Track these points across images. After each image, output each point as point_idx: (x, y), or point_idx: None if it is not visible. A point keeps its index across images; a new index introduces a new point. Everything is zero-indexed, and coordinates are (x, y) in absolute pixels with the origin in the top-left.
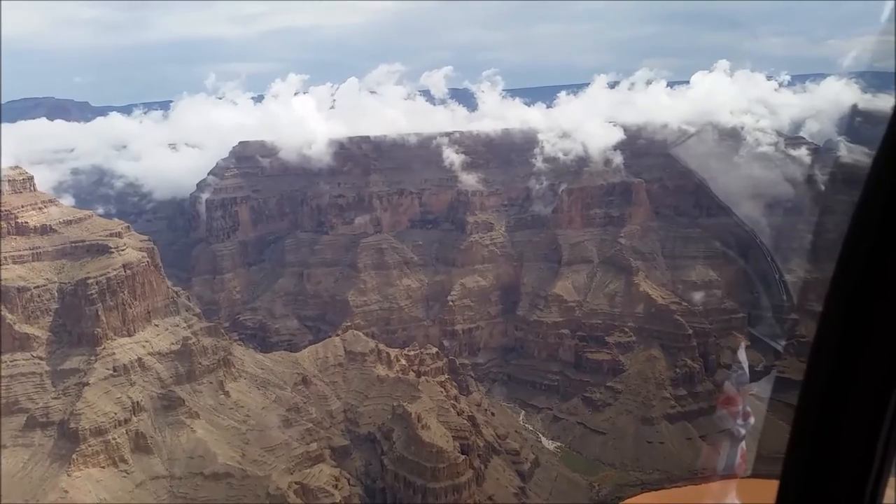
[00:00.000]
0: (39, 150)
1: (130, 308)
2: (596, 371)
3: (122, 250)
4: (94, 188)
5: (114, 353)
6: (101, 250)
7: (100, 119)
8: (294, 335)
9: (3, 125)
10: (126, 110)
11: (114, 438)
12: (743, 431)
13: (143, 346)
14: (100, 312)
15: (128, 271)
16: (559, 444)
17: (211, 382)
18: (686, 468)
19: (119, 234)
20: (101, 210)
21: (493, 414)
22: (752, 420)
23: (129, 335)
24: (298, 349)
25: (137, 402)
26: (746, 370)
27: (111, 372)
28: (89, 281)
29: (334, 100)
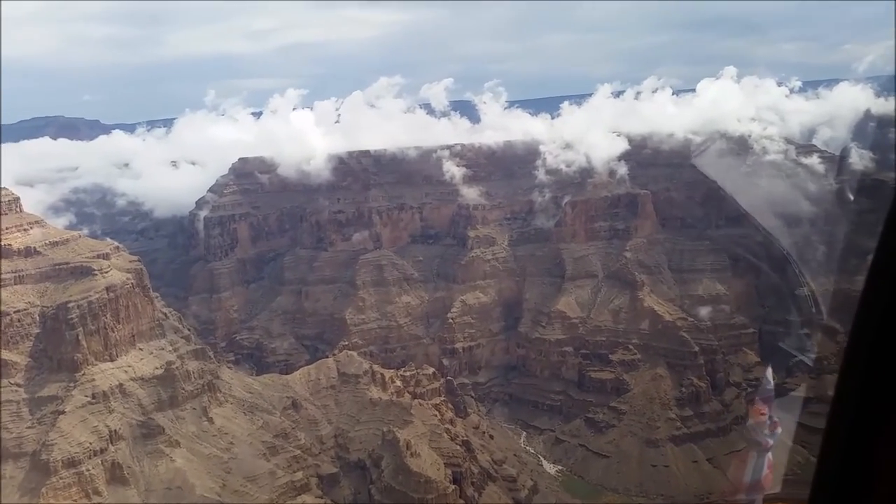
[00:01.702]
0: (42, 169)
1: (113, 332)
2: (599, 391)
3: (107, 272)
4: (95, 207)
5: (94, 380)
6: (84, 272)
7: (103, 137)
8: (291, 355)
9: (7, 145)
10: (130, 128)
11: (87, 470)
12: (770, 442)
13: (125, 372)
14: (80, 337)
15: (111, 294)
16: (560, 467)
17: (195, 408)
18: (692, 493)
19: (106, 256)
20: (101, 229)
21: (491, 437)
22: (779, 430)
23: (112, 360)
24: (295, 369)
25: (115, 430)
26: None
27: (89, 399)
28: (70, 305)
29: (339, 114)
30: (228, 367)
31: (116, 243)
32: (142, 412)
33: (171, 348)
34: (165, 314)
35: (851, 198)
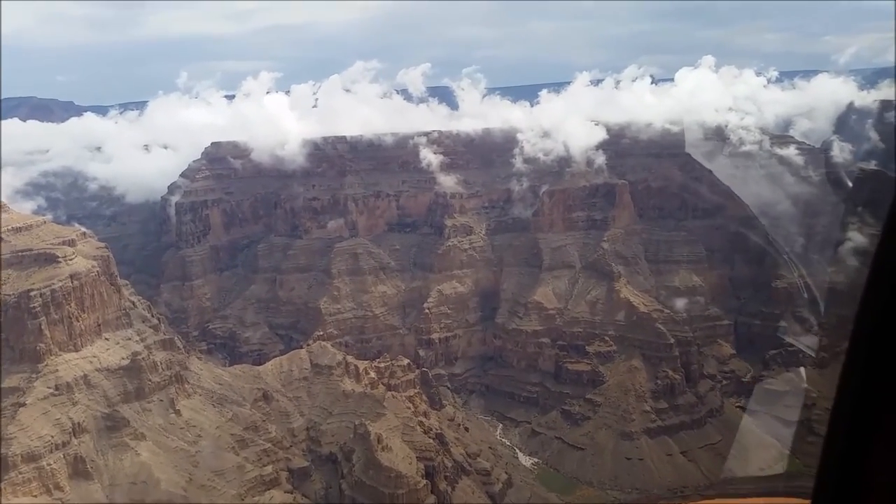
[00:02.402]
0: (11, 151)
1: (78, 321)
2: (576, 382)
3: (71, 259)
4: (66, 191)
5: (57, 370)
6: (48, 260)
7: (74, 119)
8: (265, 344)
9: None
10: (104, 111)
11: (49, 464)
12: None
13: (90, 362)
14: (43, 326)
15: (76, 282)
16: (536, 460)
17: (161, 400)
18: (666, 486)
19: (72, 242)
20: (71, 213)
21: (466, 429)
22: None
23: (76, 350)
24: (268, 359)
25: (79, 423)
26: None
27: (52, 391)
28: (32, 293)
29: (316, 98)
30: (199, 358)
31: (83, 229)
32: (107, 404)
33: (138, 338)
34: (133, 303)
35: (834, 190)
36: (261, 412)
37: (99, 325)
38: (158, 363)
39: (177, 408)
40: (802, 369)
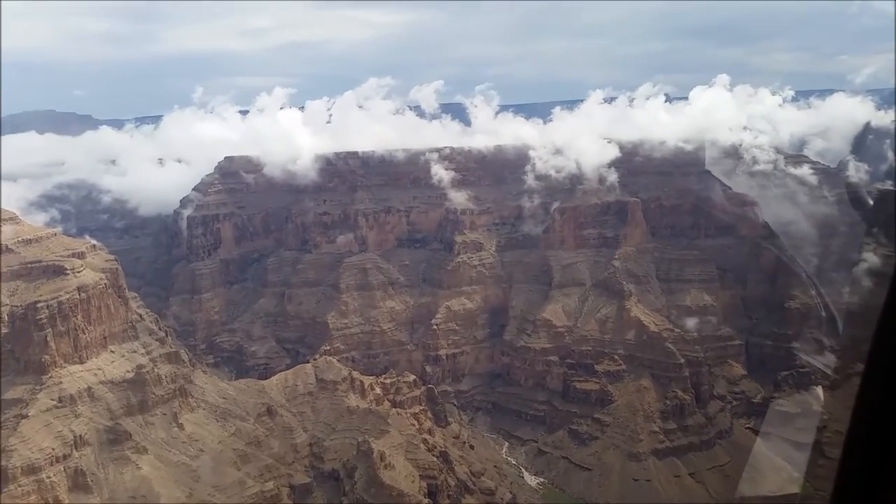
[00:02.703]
0: (27, 164)
1: (84, 333)
2: (584, 401)
3: (79, 272)
4: (80, 203)
5: (61, 382)
6: (56, 272)
7: (90, 133)
8: (271, 359)
9: None
10: (119, 124)
11: (48, 477)
12: None
13: (95, 375)
14: (49, 338)
15: (83, 294)
16: (542, 479)
17: (165, 414)
18: None
19: (81, 255)
20: (85, 226)
21: (471, 447)
22: None
23: (81, 362)
24: (275, 373)
25: (80, 435)
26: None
27: (55, 403)
28: (39, 305)
29: (330, 114)
30: (204, 372)
31: (93, 242)
32: (110, 417)
33: (143, 351)
34: (141, 315)
35: (849, 210)
36: (264, 427)
37: (105, 338)
38: (163, 376)
39: (180, 421)
40: (815, 391)
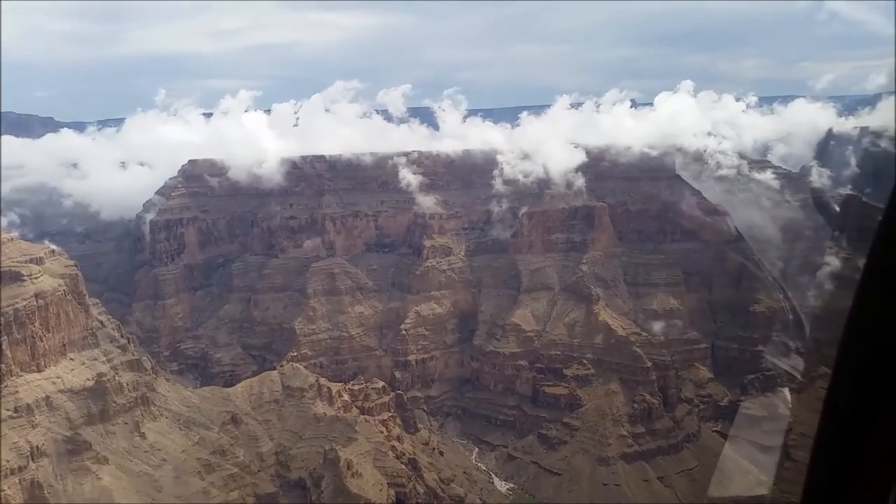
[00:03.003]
0: None
1: (42, 341)
2: (553, 406)
3: (37, 278)
4: (41, 207)
5: (17, 392)
6: (13, 278)
7: (50, 135)
8: (237, 365)
9: None
10: (81, 127)
11: (3, 490)
12: None
13: (53, 383)
14: (4, 346)
15: (40, 301)
16: (512, 485)
17: (126, 423)
18: None
19: (39, 260)
20: (44, 231)
21: (441, 453)
22: None
23: (39, 371)
24: (241, 380)
25: (37, 446)
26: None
27: (11, 413)
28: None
29: (297, 117)
30: (167, 379)
31: (53, 247)
32: (69, 426)
33: (104, 359)
34: (102, 322)
35: (812, 215)
36: (229, 436)
37: (64, 346)
38: (124, 385)
39: (142, 431)
40: (781, 394)
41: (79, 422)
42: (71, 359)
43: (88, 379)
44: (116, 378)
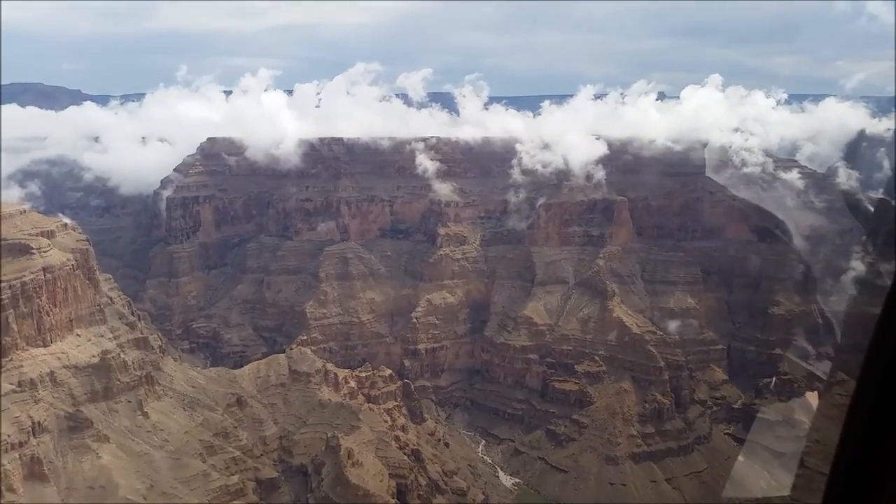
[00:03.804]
0: (9, 137)
1: (48, 316)
2: (562, 402)
3: (46, 251)
4: (61, 179)
5: (21, 366)
6: (22, 251)
7: (73, 108)
8: (248, 346)
9: None
10: (104, 101)
11: (3, 465)
12: None
13: (59, 359)
14: (11, 320)
15: (48, 275)
16: (517, 480)
17: (129, 401)
18: None
19: (51, 234)
20: (62, 203)
21: (447, 445)
22: None
23: (45, 346)
24: (250, 361)
25: (39, 422)
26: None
27: (14, 387)
28: (2, 284)
29: (320, 98)
30: (174, 359)
31: (66, 220)
32: (72, 403)
33: (111, 336)
34: (111, 299)
35: (837, 217)
36: (233, 418)
37: (71, 321)
38: (129, 363)
39: (145, 410)
40: (797, 399)
41: (82, 399)
42: (77, 335)
43: (94, 356)
44: (122, 356)
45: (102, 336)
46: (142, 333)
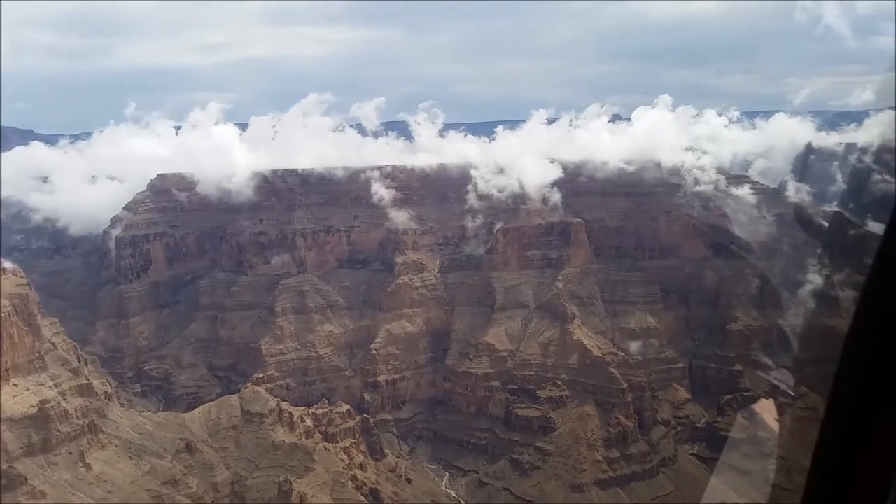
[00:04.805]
0: None
1: None
2: (526, 429)
3: None
4: (9, 222)
5: None
6: None
7: (19, 148)
8: (202, 387)
9: None
10: (54, 140)
11: None
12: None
13: None
14: None
15: None
16: None
17: (70, 453)
18: None
19: None
20: (9, 246)
21: (409, 481)
22: None
23: None
24: (204, 403)
25: None
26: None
27: None
28: None
29: (276, 130)
30: (122, 404)
31: (7, 264)
32: (6, 459)
33: (52, 384)
34: (54, 344)
35: (789, 230)
36: (182, 464)
37: (7, 371)
38: (71, 411)
39: (87, 461)
40: (759, 415)
41: (17, 453)
42: (14, 384)
43: (31, 406)
44: (62, 404)
45: (42, 384)
46: (87, 379)
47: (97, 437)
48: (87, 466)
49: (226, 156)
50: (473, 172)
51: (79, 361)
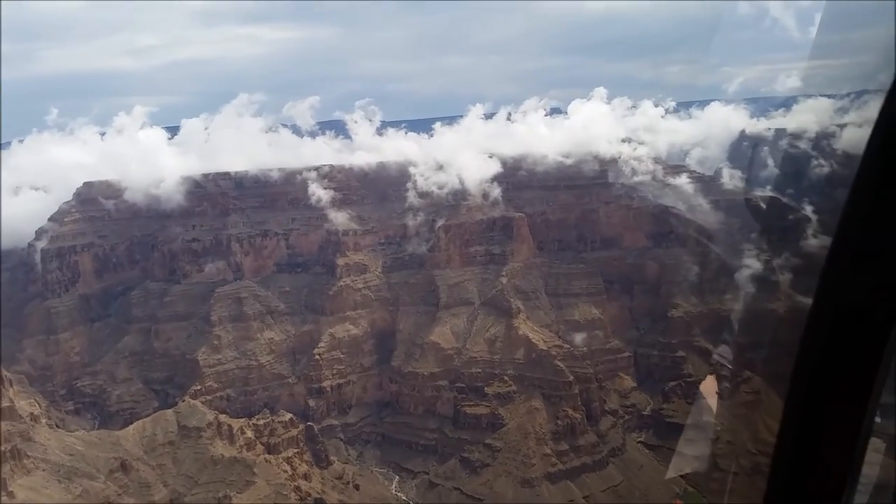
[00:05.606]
0: None
1: None
2: (474, 427)
3: None
4: None
5: None
6: None
7: None
8: (138, 402)
9: None
10: None
11: None
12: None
13: None
14: None
15: None
16: None
17: None
18: None
19: None
20: None
21: (357, 487)
22: None
23: None
24: (141, 418)
25: None
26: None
27: None
28: None
29: (209, 133)
30: (51, 425)
31: None
32: None
33: None
34: None
35: (726, 217)
36: (117, 485)
37: None
38: None
39: (10, 489)
40: (703, 401)
41: None
42: None
43: None
44: None
45: None
46: (10, 401)
47: (21, 462)
48: (10, 495)
49: (153, 161)
50: (413, 170)
51: (0, 383)
